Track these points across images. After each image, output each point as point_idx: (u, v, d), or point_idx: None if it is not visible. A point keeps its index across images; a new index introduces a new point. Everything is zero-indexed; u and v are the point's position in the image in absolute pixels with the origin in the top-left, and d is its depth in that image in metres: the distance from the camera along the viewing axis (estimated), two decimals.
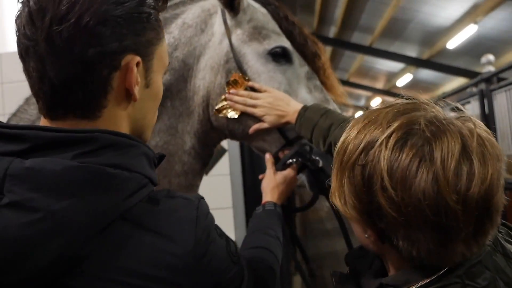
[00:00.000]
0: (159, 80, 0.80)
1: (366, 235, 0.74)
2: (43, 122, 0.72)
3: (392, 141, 0.66)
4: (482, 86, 4.33)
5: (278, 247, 1.09)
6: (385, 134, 0.68)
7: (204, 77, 1.36)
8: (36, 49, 0.66)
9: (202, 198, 0.77)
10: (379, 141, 0.68)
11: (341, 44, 11.96)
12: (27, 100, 1.39)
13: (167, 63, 0.83)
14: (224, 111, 1.36)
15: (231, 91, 1.34)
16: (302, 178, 1.41)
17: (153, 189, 0.72)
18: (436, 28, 10.28)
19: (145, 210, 0.67)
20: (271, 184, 1.32)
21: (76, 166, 0.62)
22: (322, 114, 1.24)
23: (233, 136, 1.44)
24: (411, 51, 11.95)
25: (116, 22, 0.68)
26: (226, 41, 1.36)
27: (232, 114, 1.36)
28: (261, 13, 1.41)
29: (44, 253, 0.58)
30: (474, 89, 4.57)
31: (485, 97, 4.22)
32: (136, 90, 0.72)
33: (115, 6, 0.68)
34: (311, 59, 1.43)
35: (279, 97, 1.32)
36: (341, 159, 0.74)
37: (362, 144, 0.70)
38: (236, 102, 1.33)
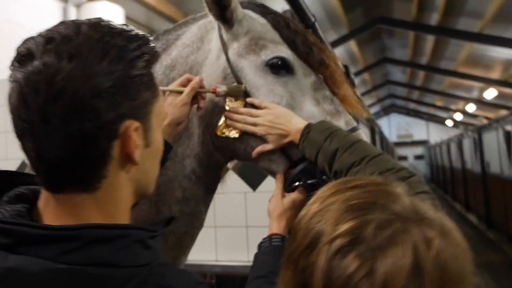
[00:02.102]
0: (159, 136, 0.81)
1: None
2: (43, 193, 0.74)
3: (334, 247, 0.59)
4: None
5: None
6: (331, 235, 0.60)
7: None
8: (33, 131, 0.67)
9: (201, 283, 0.74)
10: (324, 241, 0.61)
11: (445, 32, 10.99)
12: None
13: (165, 116, 0.84)
14: (224, 130, 1.31)
15: (230, 109, 1.29)
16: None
17: (149, 272, 0.69)
18: None
19: None
20: (278, 210, 1.22)
21: (54, 269, 0.62)
22: (327, 137, 1.15)
23: (236, 157, 1.38)
24: None
25: (110, 93, 0.68)
26: (223, 57, 1.32)
27: (233, 133, 1.30)
28: (259, 24, 1.35)
29: None
30: None
31: None
32: (137, 154, 0.73)
33: (107, 77, 0.69)
34: (318, 68, 1.33)
35: (280, 113, 1.24)
36: (291, 244, 0.67)
37: (310, 236, 0.63)
38: (236, 120, 1.28)
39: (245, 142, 1.30)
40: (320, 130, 1.18)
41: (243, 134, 1.29)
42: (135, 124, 0.72)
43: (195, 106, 1.32)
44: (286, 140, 1.24)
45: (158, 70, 1.40)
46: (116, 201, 0.75)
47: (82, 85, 0.66)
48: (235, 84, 1.30)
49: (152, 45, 0.79)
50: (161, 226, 0.80)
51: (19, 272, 0.61)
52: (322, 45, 1.37)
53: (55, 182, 0.71)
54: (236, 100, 1.30)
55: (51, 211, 0.72)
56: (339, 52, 11.05)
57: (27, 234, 0.64)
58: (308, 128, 1.20)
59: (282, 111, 1.25)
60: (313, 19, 2.07)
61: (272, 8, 1.41)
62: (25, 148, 0.71)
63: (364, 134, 1.32)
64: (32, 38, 0.72)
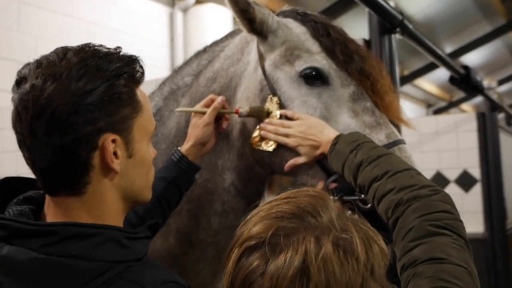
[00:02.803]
0: (143, 147, 0.90)
1: None
2: (46, 197, 0.87)
3: (243, 248, 0.66)
4: None
5: None
6: (243, 237, 0.68)
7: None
8: (25, 141, 0.80)
9: (170, 281, 0.79)
10: (238, 243, 0.69)
11: None
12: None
13: (152, 128, 0.92)
14: (259, 143, 1.30)
15: (265, 120, 1.29)
16: None
17: (123, 268, 0.78)
18: None
19: None
20: None
21: (36, 258, 0.74)
22: (353, 149, 1.09)
23: (273, 171, 1.35)
24: None
25: (87, 110, 0.78)
26: (260, 68, 1.32)
27: (267, 147, 1.29)
28: (297, 33, 1.31)
29: None
30: None
31: None
32: (116, 163, 0.82)
33: (85, 95, 0.78)
34: (358, 78, 1.24)
35: (312, 124, 1.20)
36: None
37: (234, 239, 0.71)
38: (268, 131, 1.27)
39: (280, 155, 1.28)
40: (348, 142, 1.12)
41: (278, 147, 1.27)
42: (112, 137, 0.81)
43: (232, 115, 1.34)
44: (318, 152, 1.19)
45: (201, 82, 1.46)
46: (102, 204, 0.84)
47: (60, 103, 0.77)
48: (258, 104, 1.29)
49: (136, 65, 0.87)
50: (142, 229, 0.88)
51: (10, 259, 0.74)
52: (366, 53, 1.27)
53: (49, 187, 0.83)
54: (260, 120, 1.29)
55: (51, 211, 0.85)
56: (495, 46, 9.74)
57: (18, 229, 0.77)
58: (336, 140, 1.14)
59: (314, 121, 1.21)
60: (400, 17, 1.91)
61: (314, 15, 1.35)
62: (24, 156, 0.84)
63: (408, 148, 1.20)
64: (28, 64, 0.84)
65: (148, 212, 1.18)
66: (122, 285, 0.76)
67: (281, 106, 1.27)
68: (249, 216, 0.72)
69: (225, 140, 1.38)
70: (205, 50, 1.55)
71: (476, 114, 3.89)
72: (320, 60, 1.25)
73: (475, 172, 3.87)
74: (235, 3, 1.25)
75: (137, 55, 0.89)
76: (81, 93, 0.78)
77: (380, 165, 1.05)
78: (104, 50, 0.85)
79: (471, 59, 9.36)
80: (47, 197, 0.85)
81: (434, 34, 8.10)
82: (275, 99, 1.28)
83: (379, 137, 1.18)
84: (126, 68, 0.84)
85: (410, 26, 2.02)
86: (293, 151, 1.24)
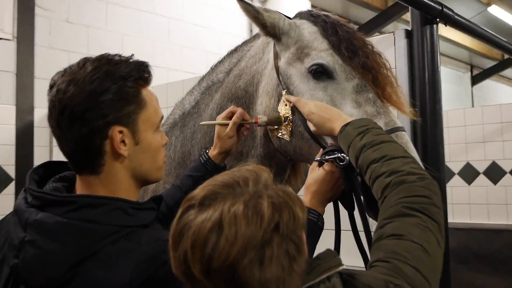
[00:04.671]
0: (149, 136, 1.07)
1: None
2: (77, 176, 1.06)
3: (185, 206, 0.80)
4: None
5: None
6: (188, 198, 0.82)
7: (262, 103, 1.50)
8: (55, 132, 1.03)
9: (163, 240, 0.89)
10: (184, 204, 0.82)
11: None
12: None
13: (157, 120, 1.10)
14: (276, 132, 1.46)
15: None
16: None
17: (128, 231, 0.96)
18: None
19: (109, 251, 0.93)
20: (305, 184, 1.33)
21: (61, 221, 0.94)
22: (360, 133, 1.19)
23: (291, 158, 1.50)
24: None
25: (98, 107, 0.98)
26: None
27: (283, 135, 1.44)
28: (308, 33, 1.44)
29: (43, 271, 0.93)
30: None
31: None
32: (124, 149, 1.01)
33: (97, 96, 0.98)
34: (361, 72, 1.34)
35: (333, 108, 1.30)
36: None
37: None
38: (288, 100, 1.38)
39: (294, 143, 1.43)
40: (357, 126, 1.20)
41: (292, 136, 1.42)
42: (119, 128, 1.00)
43: (255, 107, 1.50)
44: (329, 125, 1.25)
45: (230, 79, 1.64)
46: (116, 182, 1.04)
47: (77, 103, 0.98)
48: (275, 112, 1.44)
49: (142, 69, 1.06)
50: (147, 201, 1.08)
51: (41, 222, 0.96)
52: (371, 49, 1.36)
53: (75, 167, 1.06)
54: (278, 127, 1.44)
55: (79, 187, 1.08)
56: None
57: (48, 199, 0.99)
58: (348, 122, 1.22)
59: (334, 108, 1.30)
60: (439, 7, 1.89)
61: (326, 15, 1.46)
62: (58, 144, 1.06)
63: (405, 135, 1.29)
64: (58, 72, 1.07)
65: (176, 204, 1.28)
66: (123, 243, 0.95)
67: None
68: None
69: (249, 130, 1.54)
70: (236, 49, 1.73)
71: None
72: (326, 57, 1.36)
73: None
74: (247, 12, 1.41)
75: (145, 61, 1.07)
76: (94, 94, 0.98)
77: (380, 149, 1.13)
78: (117, 58, 1.05)
79: None
80: (77, 177, 1.08)
81: None
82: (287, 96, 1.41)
83: (379, 124, 1.26)
84: (133, 72, 1.03)
85: (453, 15, 1.99)
86: (306, 140, 1.38)
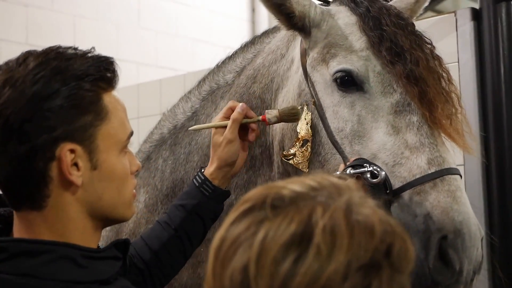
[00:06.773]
0: (112, 158, 0.84)
1: None
2: (14, 212, 0.85)
3: (237, 212, 0.64)
4: None
5: None
6: (239, 203, 0.67)
7: None
8: None
9: None
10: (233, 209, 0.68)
11: None
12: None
13: (123, 137, 0.86)
14: (289, 157, 1.13)
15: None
16: None
17: None
18: None
19: None
20: None
21: None
22: None
23: None
24: None
25: (43, 117, 0.76)
26: (301, 68, 1.14)
27: (298, 164, 1.12)
28: (343, 25, 1.09)
29: None
30: None
31: None
32: (76, 176, 0.80)
33: (41, 101, 0.77)
34: (405, 84, 0.97)
35: None
36: None
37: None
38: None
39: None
40: None
41: (310, 167, 1.11)
42: (70, 146, 0.77)
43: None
44: None
45: (241, 81, 1.30)
46: (64, 220, 0.80)
47: (13, 111, 0.75)
48: (289, 105, 1.11)
49: (104, 67, 0.80)
50: (106, 248, 0.83)
51: None
52: (426, 51, 0.99)
53: (11, 200, 0.82)
54: (296, 123, 1.11)
55: (16, 229, 0.84)
56: None
57: None
58: None
59: None
60: None
61: (374, 1, 1.07)
62: None
63: (462, 181, 0.97)
64: None
65: (164, 247, 1.09)
66: None
67: (319, 115, 1.08)
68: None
69: (266, 154, 1.22)
70: (253, 41, 1.38)
71: None
72: (357, 61, 1.03)
73: None
74: None
75: (108, 56, 0.82)
76: (37, 99, 0.75)
77: None
78: (70, 51, 0.81)
79: None
80: (15, 213, 0.84)
81: None
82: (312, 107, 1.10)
83: (418, 163, 0.96)
84: (92, 70, 0.79)
85: None
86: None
